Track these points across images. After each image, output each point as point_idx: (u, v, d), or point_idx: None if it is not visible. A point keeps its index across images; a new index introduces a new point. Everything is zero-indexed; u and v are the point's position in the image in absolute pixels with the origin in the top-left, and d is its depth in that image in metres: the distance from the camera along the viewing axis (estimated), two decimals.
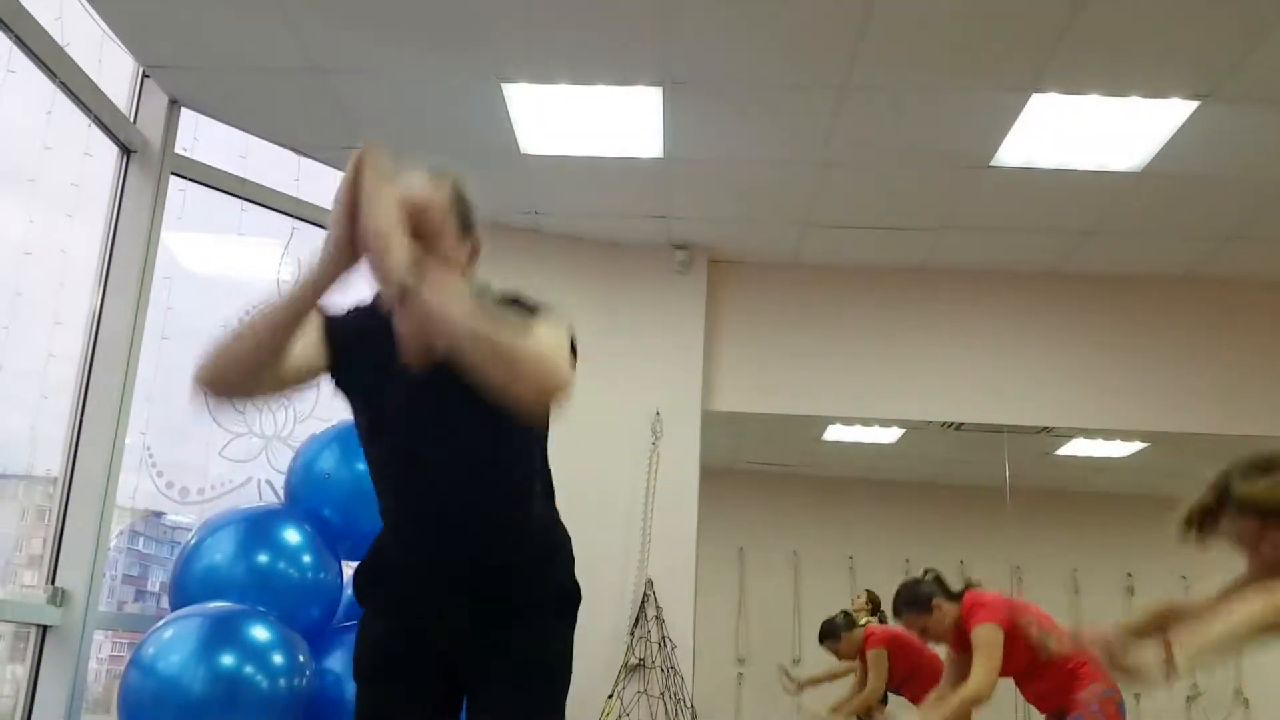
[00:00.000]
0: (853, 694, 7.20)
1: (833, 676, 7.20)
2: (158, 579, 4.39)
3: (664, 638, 4.94)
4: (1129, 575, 9.89)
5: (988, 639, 3.73)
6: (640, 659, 4.90)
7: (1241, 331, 5.63)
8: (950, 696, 3.72)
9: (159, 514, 4.64)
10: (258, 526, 3.82)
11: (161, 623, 3.49)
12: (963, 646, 3.83)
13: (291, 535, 3.83)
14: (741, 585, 9.66)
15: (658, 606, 4.99)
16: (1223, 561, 7.93)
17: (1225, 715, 9.60)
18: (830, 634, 5.90)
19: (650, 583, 5.01)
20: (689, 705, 4.88)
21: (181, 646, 3.33)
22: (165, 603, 3.83)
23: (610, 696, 4.78)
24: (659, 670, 4.89)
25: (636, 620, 4.96)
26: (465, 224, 1.95)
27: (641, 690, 4.86)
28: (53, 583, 3.75)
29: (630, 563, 5.07)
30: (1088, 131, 4.31)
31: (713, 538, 8.26)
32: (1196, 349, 5.60)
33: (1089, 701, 3.76)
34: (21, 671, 3.72)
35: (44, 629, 3.73)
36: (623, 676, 4.85)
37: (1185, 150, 4.34)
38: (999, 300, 5.74)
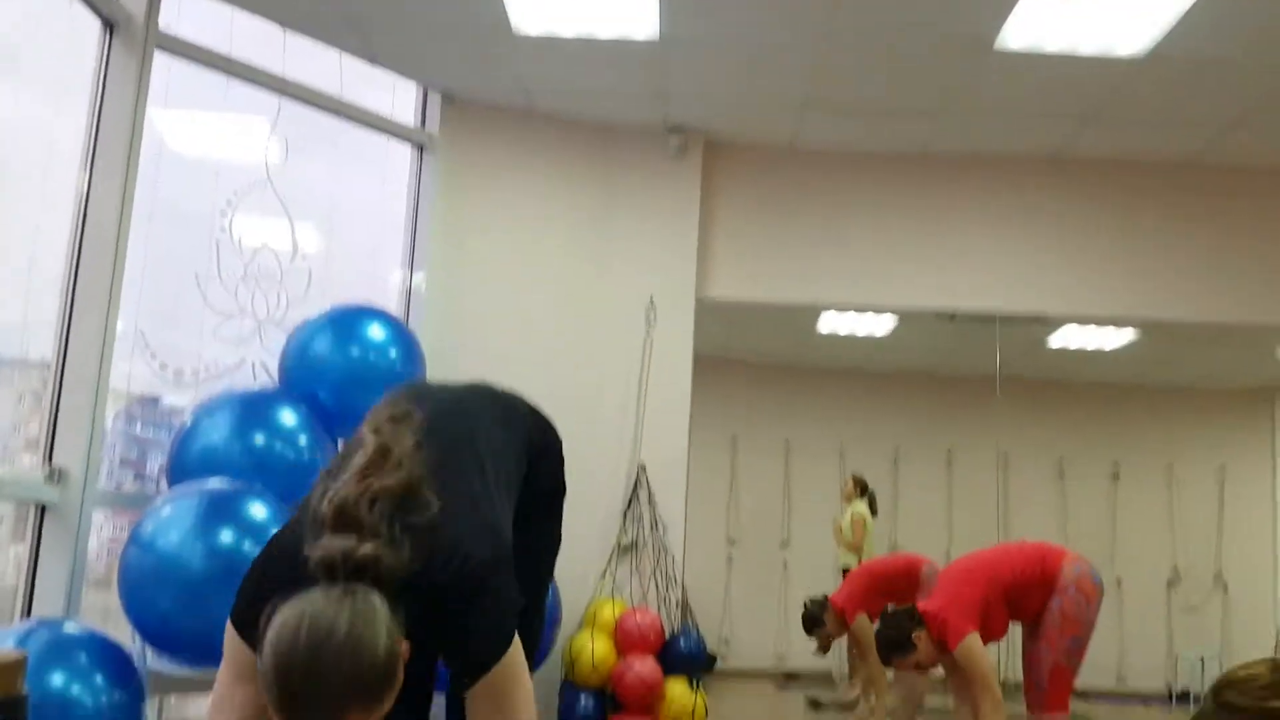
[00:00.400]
0: (859, 669, 7.35)
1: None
2: (156, 463, 4.42)
3: (655, 520, 5.02)
4: (1115, 464, 10.03)
5: (970, 654, 3.77)
6: (632, 540, 4.98)
7: (1240, 219, 5.60)
8: None
9: (155, 399, 4.65)
10: (253, 408, 3.84)
11: (160, 500, 3.53)
12: (947, 654, 3.88)
13: (287, 417, 3.85)
14: (733, 471, 9.80)
15: (650, 490, 5.05)
16: (1209, 457, 8.05)
17: (1205, 598, 9.85)
18: (813, 623, 6.03)
19: (643, 467, 5.06)
20: (679, 583, 4.98)
21: (180, 523, 3.37)
22: (164, 487, 3.86)
23: (603, 575, 4.88)
24: (650, 550, 4.98)
25: (629, 503, 5.02)
26: (391, 681, 1.55)
27: (633, 569, 4.95)
28: (49, 462, 3.78)
29: (623, 448, 5.12)
30: (1094, 13, 4.21)
31: (706, 425, 8.34)
32: (1194, 236, 5.58)
33: (1066, 586, 3.84)
34: (24, 552, 3.77)
35: (42, 508, 3.76)
36: (615, 556, 4.94)
37: (1194, 32, 4.25)
38: (997, 187, 5.69)
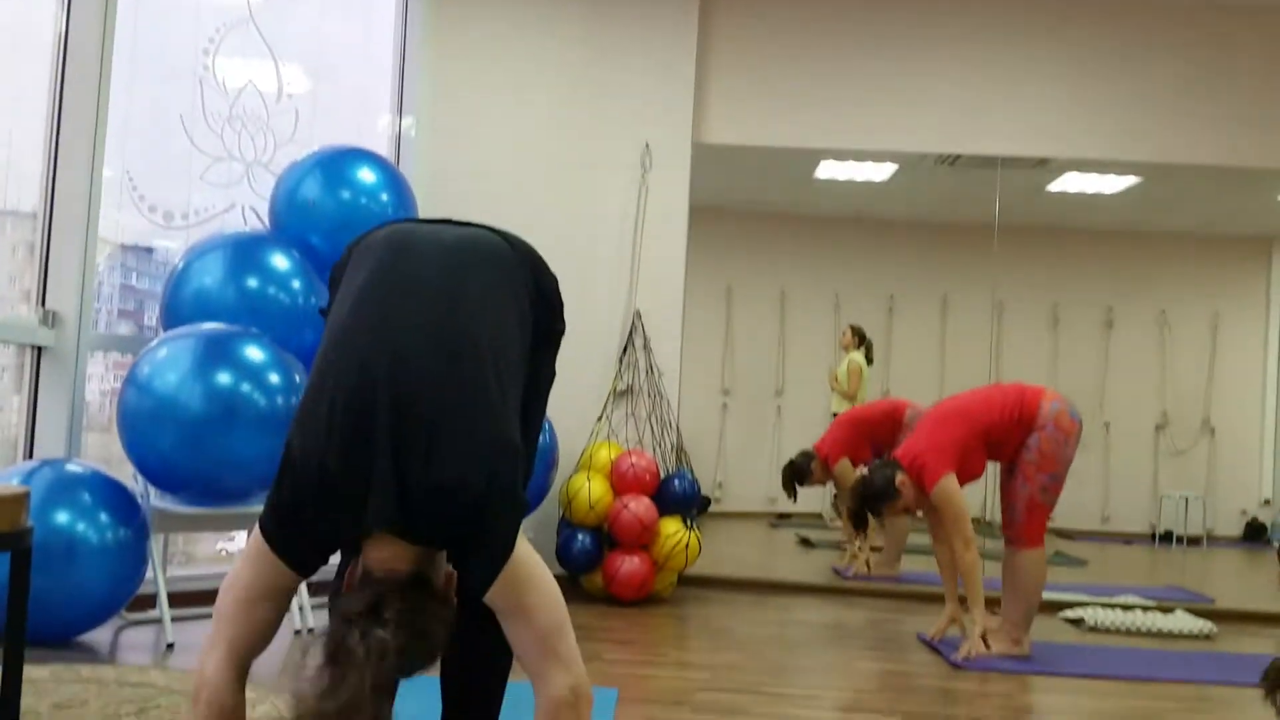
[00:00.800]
0: (846, 513, 7.45)
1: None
2: (153, 314, 4.41)
3: (651, 366, 5.04)
4: (1109, 310, 10.06)
5: (945, 495, 3.85)
6: (628, 385, 5.02)
7: (1247, 62, 5.47)
8: (966, 580, 3.87)
9: (149, 249, 4.62)
10: (245, 251, 3.82)
11: (155, 342, 3.53)
12: (927, 497, 3.95)
13: (279, 260, 3.83)
14: (728, 321, 9.83)
15: (645, 337, 5.07)
16: (1203, 305, 8.05)
17: (1192, 442, 10.01)
18: (799, 474, 6.09)
19: (638, 314, 5.07)
20: (674, 426, 5.05)
21: (177, 365, 3.39)
22: (161, 332, 3.87)
23: (599, 419, 4.93)
24: (646, 395, 5.03)
25: (625, 349, 5.05)
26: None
27: (629, 413, 5.01)
28: (43, 305, 3.77)
29: (619, 294, 5.10)
30: None
31: (701, 275, 8.32)
32: (1200, 79, 5.46)
33: (1044, 423, 3.90)
34: (24, 403, 3.80)
35: (39, 351, 3.77)
36: (611, 401, 4.99)
37: None
38: (1000, 27, 5.53)
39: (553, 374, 2.07)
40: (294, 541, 1.67)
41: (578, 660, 1.71)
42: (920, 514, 5.69)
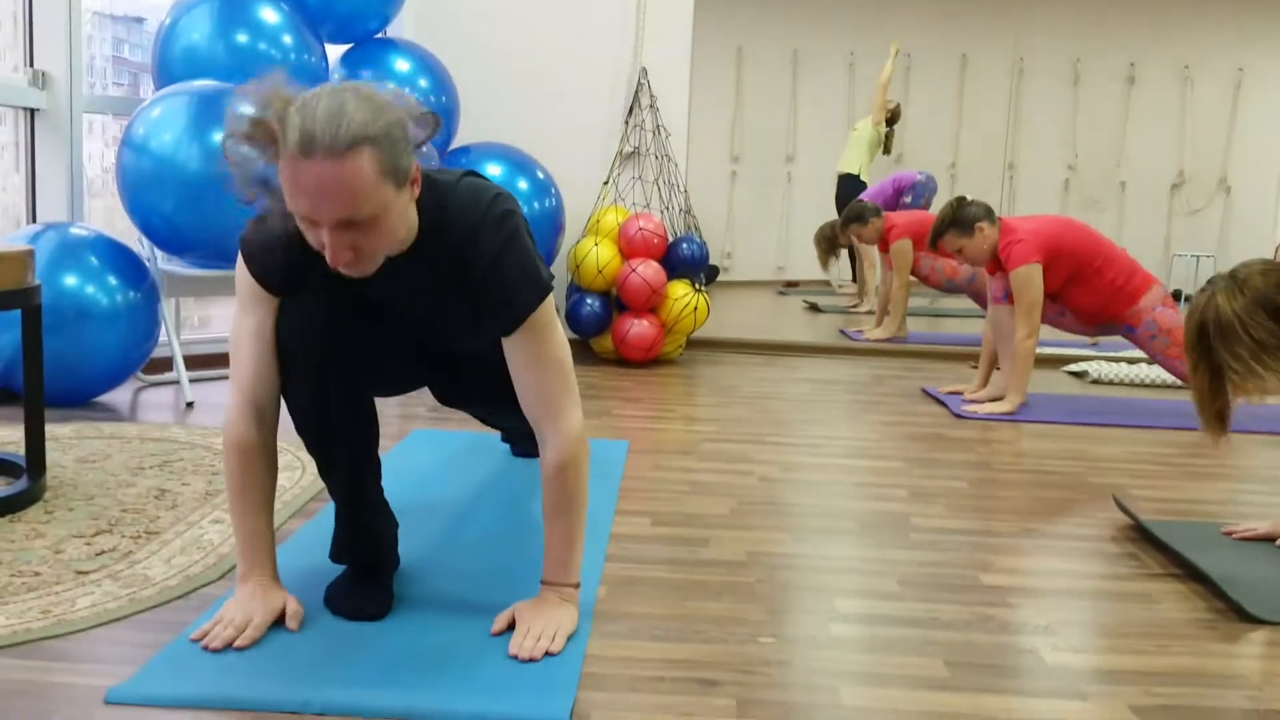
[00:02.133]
0: (868, 280, 7.44)
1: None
2: (148, 88, 4.28)
3: (658, 126, 4.92)
4: (1131, 66, 9.73)
5: (1028, 280, 3.80)
6: (635, 147, 4.92)
7: None
8: (1015, 362, 3.87)
9: (140, 19, 4.44)
10: (234, 5, 3.66)
11: (148, 101, 3.44)
12: (998, 269, 3.95)
13: (269, 14, 3.68)
14: (738, 84, 9.56)
15: (652, 96, 4.92)
16: (1227, 59, 7.77)
17: (1207, 202, 9.89)
18: (858, 218, 5.97)
19: (644, 71, 4.90)
20: (682, 190, 4.98)
21: (172, 124, 3.31)
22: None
23: (605, 182, 4.86)
24: (653, 157, 4.93)
25: (630, 110, 4.91)
26: (400, 176, 1.52)
27: (636, 176, 4.93)
28: (31, 66, 3.66)
29: (624, 51, 4.93)
30: None
31: (710, 35, 8.03)
32: None
33: (1151, 303, 3.88)
34: (23, 181, 3.74)
35: (32, 115, 3.69)
36: (618, 164, 4.90)
37: None
38: None
39: None
40: (270, 266, 1.71)
41: (578, 402, 1.77)
42: (956, 268, 5.76)
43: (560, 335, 1.76)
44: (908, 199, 7.20)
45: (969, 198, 4.01)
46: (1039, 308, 3.83)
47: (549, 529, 1.77)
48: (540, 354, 1.72)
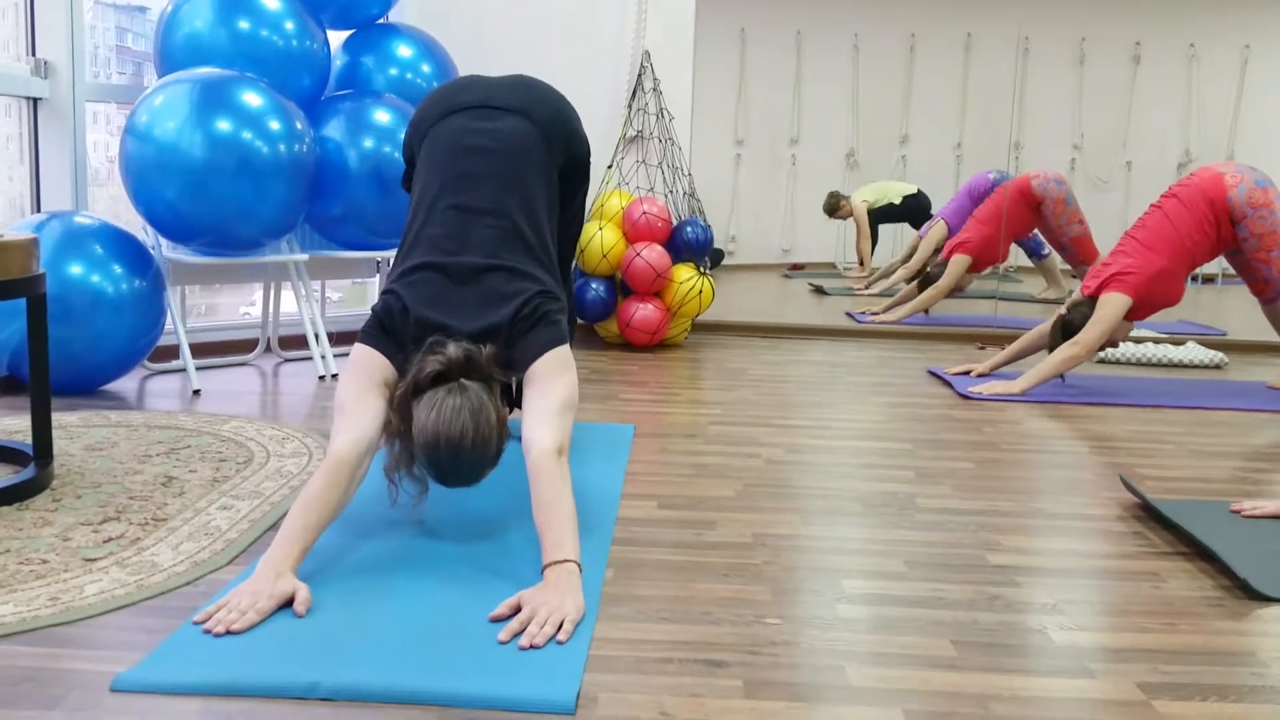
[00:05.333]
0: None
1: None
2: (151, 77, 4.28)
3: (662, 110, 4.90)
4: (1137, 45, 9.68)
5: (1112, 308, 3.77)
6: (638, 131, 4.90)
7: None
8: (1046, 363, 3.81)
9: (142, 8, 4.44)
10: None
11: (151, 89, 3.44)
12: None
13: (270, 0, 3.66)
14: (742, 66, 9.52)
15: (655, 79, 4.90)
16: (1234, 36, 7.67)
17: None
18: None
19: (647, 54, 4.88)
20: (686, 173, 4.96)
21: (176, 112, 3.31)
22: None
23: (609, 166, 4.85)
24: (656, 141, 4.92)
25: (634, 93, 4.90)
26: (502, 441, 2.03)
27: (640, 160, 4.92)
28: (33, 55, 3.66)
29: (626, 33, 4.91)
30: None
31: (712, 17, 7.98)
32: None
33: (1241, 213, 3.75)
34: (27, 173, 3.74)
35: (35, 105, 3.69)
36: (621, 147, 4.88)
37: None
38: None
39: (585, 193, 2.63)
40: (390, 347, 2.09)
41: (569, 434, 2.03)
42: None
43: (572, 382, 2.07)
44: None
45: (1063, 310, 3.94)
46: (1105, 334, 3.78)
47: (538, 527, 1.89)
48: (548, 385, 2.04)
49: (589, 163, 2.55)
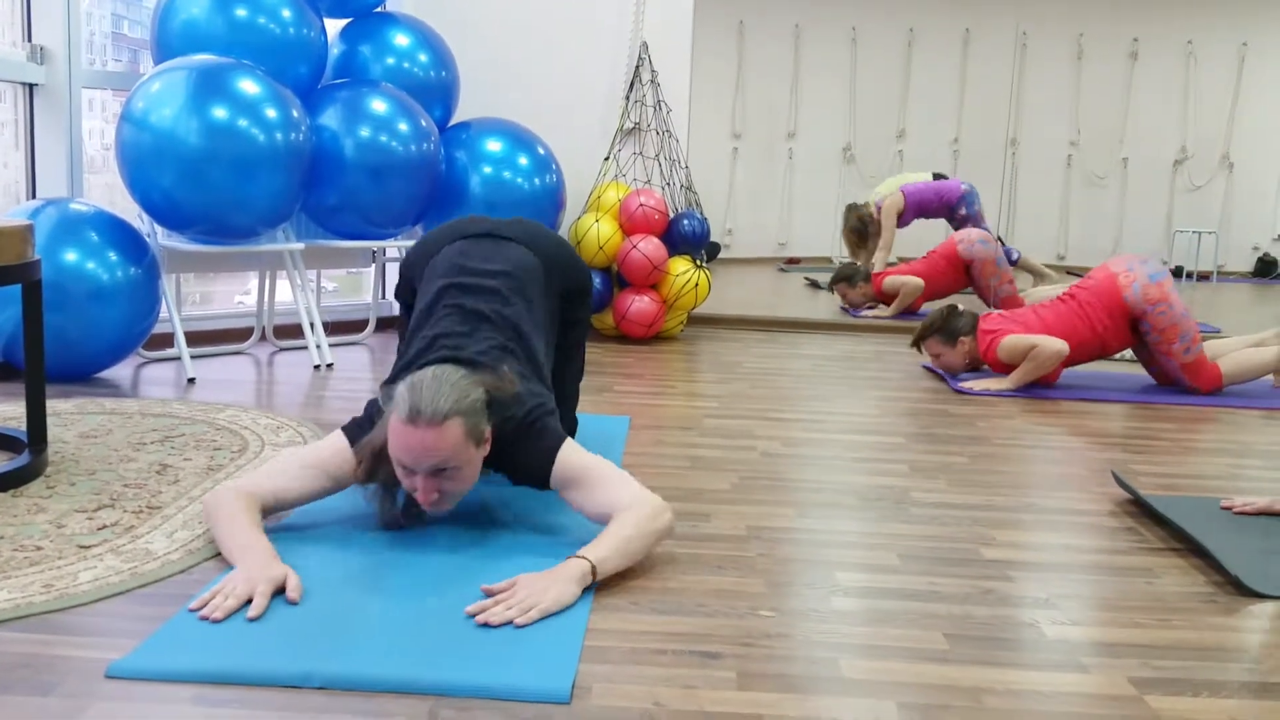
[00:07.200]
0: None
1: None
2: (148, 65, 4.27)
3: (659, 101, 4.90)
4: (1135, 41, 9.67)
5: (1010, 348, 3.85)
6: (635, 122, 4.90)
7: None
8: (1028, 363, 3.84)
9: None
10: None
11: (148, 76, 3.43)
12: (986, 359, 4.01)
13: None
14: (740, 60, 9.50)
15: (653, 70, 4.90)
16: (1231, 33, 7.70)
17: (1209, 178, 9.85)
18: (847, 279, 6.02)
19: (645, 45, 4.88)
20: (684, 166, 4.96)
21: (172, 99, 3.30)
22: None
23: (606, 158, 4.85)
24: (654, 133, 4.91)
25: (631, 84, 4.89)
26: (479, 438, 1.96)
27: (637, 152, 4.91)
28: (29, 41, 3.64)
29: (625, 25, 4.90)
30: None
31: (711, 9, 7.98)
32: None
33: (1139, 310, 3.82)
34: (23, 159, 3.73)
35: (31, 91, 3.68)
36: (618, 139, 4.88)
37: None
38: None
39: (587, 326, 2.69)
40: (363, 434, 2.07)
41: (642, 490, 2.01)
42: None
43: (596, 467, 2.04)
44: (962, 211, 6.89)
45: (960, 308, 4.07)
46: (1048, 366, 3.81)
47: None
48: (587, 475, 2.03)
49: (591, 291, 2.62)
